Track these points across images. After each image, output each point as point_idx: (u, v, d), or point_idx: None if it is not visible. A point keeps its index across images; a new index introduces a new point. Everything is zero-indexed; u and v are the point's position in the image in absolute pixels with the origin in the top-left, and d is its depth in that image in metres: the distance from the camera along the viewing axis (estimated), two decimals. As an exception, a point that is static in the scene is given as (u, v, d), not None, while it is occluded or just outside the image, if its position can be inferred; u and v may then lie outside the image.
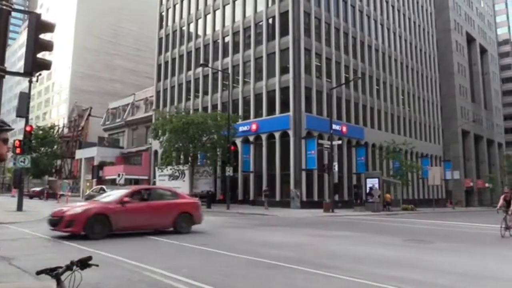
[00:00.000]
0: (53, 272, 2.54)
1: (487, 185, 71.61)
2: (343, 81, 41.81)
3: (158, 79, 52.57)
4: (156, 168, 40.56)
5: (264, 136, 38.59)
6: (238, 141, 39.07)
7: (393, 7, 53.18)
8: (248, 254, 8.79)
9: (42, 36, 8.21)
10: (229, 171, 31.40)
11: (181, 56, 49.60)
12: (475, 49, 79.66)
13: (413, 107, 55.01)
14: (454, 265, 8.30)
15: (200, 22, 47.86)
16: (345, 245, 11.39)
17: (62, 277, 2.54)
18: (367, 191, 35.11)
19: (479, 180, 72.40)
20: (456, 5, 72.75)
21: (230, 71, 41.82)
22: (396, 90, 51.33)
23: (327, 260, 8.42)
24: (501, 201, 15.06)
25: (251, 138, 39.59)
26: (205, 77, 45.77)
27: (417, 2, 59.84)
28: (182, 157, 37.18)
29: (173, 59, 50.61)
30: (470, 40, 77.84)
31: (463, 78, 72.49)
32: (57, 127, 67.03)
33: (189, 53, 48.47)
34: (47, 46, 8.38)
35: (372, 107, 46.38)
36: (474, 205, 67.22)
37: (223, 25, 44.86)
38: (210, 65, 42.78)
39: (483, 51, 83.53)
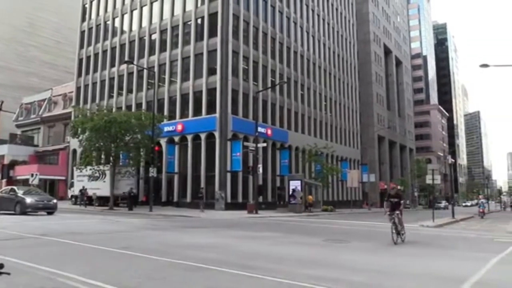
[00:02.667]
0: None
1: (399, 187, 76.54)
2: (269, 84, 42.66)
3: (79, 74, 50.01)
4: (75, 168, 38.49)
5: (189, 137, 38.23)
6: (163, 142, 38.36)
7: (318, 15, 55.29)
8: (171, 257, 8.67)
9: None
10: (152, 172, 30.69)
11: (104, 52, 47.60)
12: (391, 61, 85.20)
13: (334, 113, 57.54)
14: (368, 263, 8.81)
15: (126, 17, 46.30)
16: (268, 245, 11.63)
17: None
18: (290, 193, 36.15)
19: (392, 182, 77.35)
20: (375, 18, 77.30)
21: (156, 69, 40.90)
22: (319, 96, 53.36)
23: (250, 261, 8.55)
24: (386, 203, 13.18)
25: (176, 139, 39.04)
26: (130, 74, 44.38)
27: (341, 13, 62.78)
28: (103, 156, 35.63)
29: (96, 54, 48.43)
30: (387, 52, 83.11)
31: (380, 87, 77.20)
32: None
33: (113, 49, 46.66)
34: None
35: (296, 111, 47.80)
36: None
37: (150, 22, 43.81)
38: (135, 62, 41.54)
39: (398, 62, 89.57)
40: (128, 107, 42.35)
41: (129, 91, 44.15)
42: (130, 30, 45.58)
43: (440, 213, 35.77)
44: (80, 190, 34.65)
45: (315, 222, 22.70)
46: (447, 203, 69.20)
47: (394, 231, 12.17)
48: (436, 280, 7.10)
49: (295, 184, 36.24)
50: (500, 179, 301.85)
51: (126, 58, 42.13)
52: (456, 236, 16.48)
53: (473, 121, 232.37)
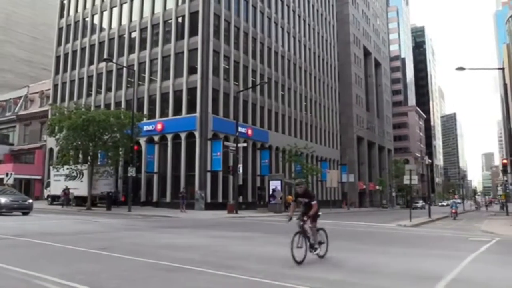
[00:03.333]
0: None
1: (377, 187, 78.05)
2: (250, 84, 42.69)
3: (57, 72, 49.09)
4: (51, 168, 37.72)
5: (169, 137, 37.95)
6: (142, 141, 37.99)
7: (299, 16, 55.59)
8: (150, 257, 8.59)
9: None
10: (131, 172, 30.34)
11: (83, 49, 46.86)
12: (370, 62, 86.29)
13: (315, 113, 57.95)
14: (347, 261, 8.91)
15: (106, 14, 45.65)
16: (248, 245, 11.64)
17: None
18: (270, 193, 36.24)
19: (371, 183, 78.56)
20: (355, 20, 78.16)
21: (136, 68, 40.45)
22: (299, 96, 53.66)
23: (230, 261, 8.53)
24: (292, 205, 9.87)
25: (156, 138, 38.71)
26: (109, 72, 43.80)
27: (321, 15, 63.25)
28: (80, 156, 35.08)
29: (74, 52, 47.62)
30: (366, 53, 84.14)
31: (360, 88, 78.10)
32: None
33: (92, 46, 45.97)
34: None
35: (277, 111, 47.96)
36: (366, 205, 72.69)
37: (130, 20, 43.32)
38: (114, 60, 41.02)
39: (378, 64, 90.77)
40: (107, 106, 41.80)
41: (108, 89, 43.58)
42: (110, 27, 44.96)
43: (417, 213, 36.43)
44: (64, 190, 33.92)
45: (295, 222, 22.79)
46: (424, 203, 70.53)
47: (298, 244, 8.31)
48: (413, 278, 7.22)
49: (275, 184, 36.36)
50: (475, 179, 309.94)
51: (105, 56, 41.51)
52: (433, 236, 16.79)
53: (450, 123, 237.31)
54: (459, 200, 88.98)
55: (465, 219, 32.41)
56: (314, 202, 8.94)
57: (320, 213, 9.16)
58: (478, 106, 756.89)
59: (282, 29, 51.05)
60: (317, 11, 61.91)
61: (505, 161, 27.34)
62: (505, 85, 28.72)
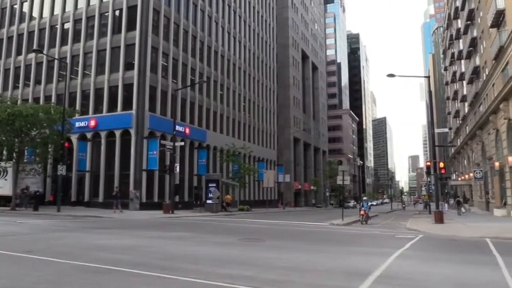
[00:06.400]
0: None
1: (312, 187, 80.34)
2: (188, 83, 42.27)
3: (-21, 61, 45.62)
4: (-29, 164, 35.04)
5: (103, 134, 36.64)
6: (74, 138, 36.39)
7: (240, 17, 55.86)
8: (80, 260, 8.24)
9: None
10: (61, 170, 28.89)
11: (10, 38, 43.95)
12: (308, 66, 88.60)
13: (253, 114, 58.51)
14: (281, 260, 9.08)
15: (36, 2, 43.15)
16: (184, 245, 11.53)
17: None
18: (207, 192, 36.09)
19: (306, 183, 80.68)
20: (294, 24, 79.88)
21: (68, 61, 38.65)
22: (238, 97, 53.93)
23: (165, 262, 8.41)
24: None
25: (89, 135, 37.22)
26: (39, 64, 41.47)
27: (262, 16, 64.00)
28: (5, 152, 32.85)
29: (0, 40, 44.52)
30: (304, 57, 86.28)
31: (297, 90, 79.92)
32: None
33: (20, 36, 43.26)
34: None
35: (215, 111, 47.87)
36: (301, 205, 74.54)
37: (64, 10, 41.30)
38: (45, 52, 38.89)
39: (315, 68, 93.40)
40: (36, 100, 39.55)
41: (38, 82, 41.25)
42: (41, 16, 42.55)
43: (349, 212, 37.94)
44: (22, 190, 31.42)
45: (231, 222, 22.89)
46: (355, 203, 73.45)
47: None
48: (344, 274, 7.52)
49: (212, 184, 36.27)
50: (402, 180, 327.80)
51: (35, 47, 39.30)
52: (363, 234, 17.56)
53: (380, 126, 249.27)
54: (374, 201, 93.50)
55: (393, 217, 34.10)
56: None
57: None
58: (406, 111, 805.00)
59: (223, 28, 51.03)
60: (258, 12, 62.58)
61: (428, 163, 29.24)
62: (430, 92, 30.68)
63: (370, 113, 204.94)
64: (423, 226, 21.07)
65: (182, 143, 35.78)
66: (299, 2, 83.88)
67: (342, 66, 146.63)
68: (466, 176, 49.90)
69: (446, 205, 45.28)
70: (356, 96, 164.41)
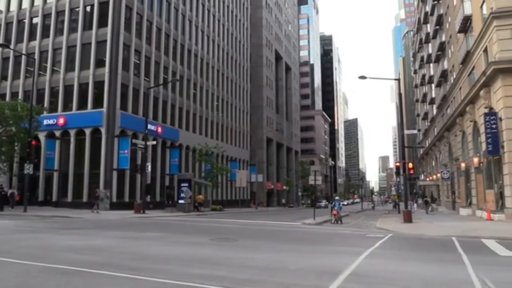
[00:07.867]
0: None
1: (284, 187, 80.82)
2: (161, 81, 41.81)
3: None
4: None
5: (72, 132, 35.82)
6: (42, 136, 35.44)
7: (214, 16, 55.64)
8: (46, 261, 8.03)
9: None
10: (28, 169, 28.04)
11: (-27, 32, 42.36)
12: (281, 66, 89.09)
13: (226, 113, 58.39)
14: (254, 260, 9.09)
15: (2, -4, 41.76)
16: (154, 246, 11.39)
17: None
18: (179, 192, 35.79)
19: (278, 183, 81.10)
20: (268, 24, 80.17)
21: (36, 56, 37.59)
22: (211, 96, 53.71)
23: (135, 262, 8.29)
24: None
25: (58, 133, 36.32)
26: (5, 60, 40.19)
27: (236, 16, 63.93)
28: (-32, 150, 31.71)
29: (-37, 34, 42.87)
30: (278, 57, 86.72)
31: (270, 90, 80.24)
32: None
33: (-16, 30, 41.76)
34: None
35: (188, 110, 47.53)
36: (273, 205, 74.88)
37: (32, 4, 40.18)
38: (12, 46, 37.71)
39: (288, 69, 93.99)
40: (2, 96, 38.30)
41: (4, 78, 39.97)
42: (8, 10, 41.25)
43: (321, 212, 38.32)
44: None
45: (203, 222, 22.78)
46: (327, 202, 74.25)
47: None
48: (315, 273, 7.60)
49: (184, 184, 35.98)
50: (372, 180, 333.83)
51: (1, 41, 38.08)
52: (334, 233, 17.77)
53: (352, 127, 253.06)
54: (346, 201, 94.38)
55: (364, 217, 34.73)
56: None
57: None
58: (377, 113, 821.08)
59: (196, 27, 50.71)
60: (232, 12, 62.48)
61: (398, 164, 29.91)
62: (400, 94, 31.37)
63: (342, 114, 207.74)
64: (392, 225, 21.49)
65: (154, 142, 35.36)
66: (273, 2, 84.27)
67: (315, 67, 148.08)
68: (434, 177, 51.24)
69: (414, 204, 46.38)
70: (328, 97, 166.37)
